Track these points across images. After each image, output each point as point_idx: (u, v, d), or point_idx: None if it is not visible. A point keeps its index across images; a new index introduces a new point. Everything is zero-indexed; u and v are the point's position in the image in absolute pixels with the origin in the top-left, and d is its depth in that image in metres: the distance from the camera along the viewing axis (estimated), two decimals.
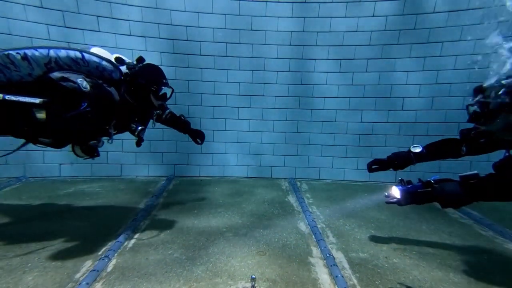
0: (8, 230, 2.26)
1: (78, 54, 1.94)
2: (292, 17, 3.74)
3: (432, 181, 1.69)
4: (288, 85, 3.91)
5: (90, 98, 1.86)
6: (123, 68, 2.11)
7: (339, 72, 3.85)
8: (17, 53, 1.85)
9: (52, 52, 1.89)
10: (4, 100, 1.82)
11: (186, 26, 3.70)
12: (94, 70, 1.98)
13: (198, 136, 2.89)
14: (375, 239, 2.30)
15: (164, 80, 2.20)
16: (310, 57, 3.83)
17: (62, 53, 1.91)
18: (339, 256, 2.03)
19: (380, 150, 3.93)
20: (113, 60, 2.07)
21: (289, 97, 3.93)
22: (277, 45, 3.81)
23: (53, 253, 1.93)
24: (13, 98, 1.83)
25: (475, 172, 1.58)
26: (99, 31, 3.51)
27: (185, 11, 3.66)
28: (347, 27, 3.73)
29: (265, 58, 3.84)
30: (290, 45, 3.81)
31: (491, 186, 1.57)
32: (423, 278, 1.80)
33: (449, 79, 3.69)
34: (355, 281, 1.74)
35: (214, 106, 3.93)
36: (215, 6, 3.68)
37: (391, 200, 1.84)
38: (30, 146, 3.49)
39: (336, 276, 1.74)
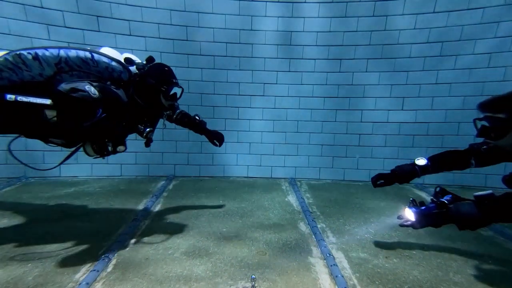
0: (8, 230, 2.26)
1: (88, 54, 1.92)
2: (292, 17, 3.74)
3: (446, 202, 1.64)
4: (288, 85, 3.91)
5: (102, 103, 1.86)
6: (133, 69, 2.09)
7: (339, 72, 3.85)
8: (28, 53, 1.84)
9: (62, 52, 1.88)
10: (16, 101, 1.82)
11: (186, 26, 3.71)
12: (103, 71, 1.97)
13: (215, 137, 2.75)
14: (375, 239, 2.30)
15: (174, 80, 2.18)
16: (310, 57, 3.83)
17: (72, 53, 1.90)
18: (339, 256, 2.03)
19: (380, 150, 3.94)
20: (122, 60, 2.05)
21: (289, 97, 3.93)
22: (277, 45, 3.81)
23: (53, 253, 1.93)
24: (24, 99, 1.83)
25: (490, 191, 1.53)
26: (99, 31, 3.51)
27: (185, 11, 3.67)
28: (347, 27, 3.73)
29: (264, 58, 3.85)
30: (290, 45, 3.81)
31: (509, 207, 1.50)
32: (423, 278, 1.79)
33: (449, 79, 3.70)
34: (355, 281, 1.74)
35: (214, 106, 3.93)
36: (215, 7, 3.69)
37: (405, 223, 1.81)
38: (30, 146, 3.52)
39: (336, 276, 1.73)
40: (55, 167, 2.18)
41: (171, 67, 2.23)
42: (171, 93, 2.21)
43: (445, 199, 1.65)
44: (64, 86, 1.80)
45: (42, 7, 3.30)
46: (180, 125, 2.70)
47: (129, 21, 3.58)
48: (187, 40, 3.74)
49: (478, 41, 3.53)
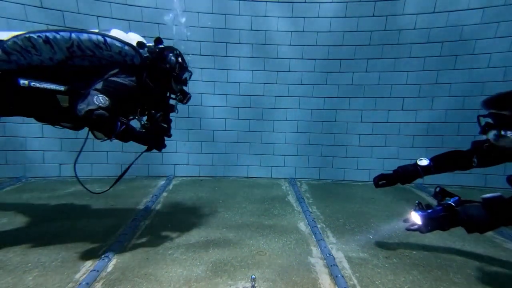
0: (8, 230, 2.26)
1: (101, 38, 1.89)
2: (292, 17, 3.74)
3: (453, 204, 1.60)
4: (288, 85, 3.91)
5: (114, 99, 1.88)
6: (143, 52, 2.07)
7: (339, 72, 3.85)
8: (39, 36, 1.80)
9: (74, 36, 1.85)
10: (29, 87, 1.80)
11: (186, 26, 3.70)
12: (116, 55, 1.95)
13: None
14: (375, 239, 2.30)
15: (184, 65, 2.18)
16: (310, 57, 3.84)
17: (84, 36, 1.87)
18: (339, 256, 2.03)
19: (380, 150, 3.94)
20: (134, 43, 2.02)
21: (289, 97, 3.93)
22: (277, 45, 3.81)
23: (53, 253, 1.93)
24: (38, 85, 1.81)
25: (498, 194, 1.49)
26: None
27: (185, 11, 3.67)
28: (347, 28, 3.73)
29: (264, 58, 3.85)
30: (290, 45, 3.81)
31: None
32: (423, 278, 1.79)
33: (450, 79, 3.70)
34: (355, 281, 1.74)
35: (214, 106, 3.93)
36: (215, 6, 3.69)
37: (412, 228, 1.77)
38: (30, 146, 3.52)
39: (336, 276, 1.73)
40: (108, 190, 2.28)
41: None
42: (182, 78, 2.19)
43: (452, 202, 1.62)
44: (81, 110, 1.80)
45: (42, 7, 3.31)
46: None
47: (129, 21, 3.58)
48: (187, 40, 3.74)
49: (478, 41, 3.53)
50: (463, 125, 3.72)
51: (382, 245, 2.20)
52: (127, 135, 2.04)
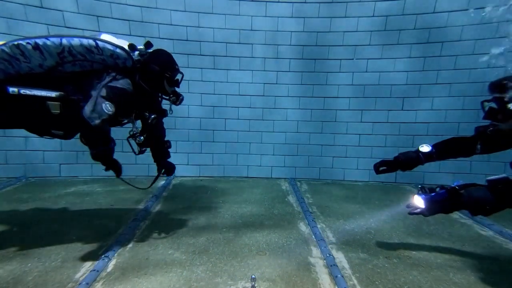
0: (8, 231, 2.26)
1: (92, 42, 1.88)
2: (292, 17, 3.74)
3: (456, 187, 1.58)
4: (288, 85, 3.91)
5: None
6: (134, 55, 2.07)
7: (339, 72, 3.85)
8: (28, 43, 1.78)
9: (65, 41, 1.83)
10: (19, 94, 1.77)
11: (186, 26, 3.71)
12: (108, 59, 1.94)
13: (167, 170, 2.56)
14: (375, 239, 2.30)
15: (176, 66, 2.19)
16: (311, 57, 3.84)
17: (75, 41, 1.85)
18: (339, 256, 2.03)
19: (380, 150, 3.93)
20: (125, 47, 2.02)
21: (289, 97, 3.93)
22: (277, 45, 3.82)
23: (53, 253, 1.93)
24: (28, 92, 1.79)
25: (504, 175, 1.47)
26: (99, 31, 3.50)
27: (185, 11, 3.67)
28: (346, 27, 3.74)
29: (264, 58, 3.85)
30: (290, 45, 3.81)
31: None
32: (423, 278, 1.79)
33: (449, 79, 3.70)
34: (355, 281, 1.74)
35: (214, 106, 3.93)
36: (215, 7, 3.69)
37: (415, 211, 1.76)
38: (30, 146, 3.52)
39: (336, 276, 1.73)
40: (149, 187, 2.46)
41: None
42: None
43: (455, 185, 1.60)
44: (96, 121, 1.81)
45: (42, 7, 3.31)
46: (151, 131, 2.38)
47: (129, 21, 3.58)
48: (187, 40, 3.74)
49: (478, 41, 3.53)
50: (463, 125, 3.71)
51: (382, 245, 2.20)
52: (106, 156, 2.09)
